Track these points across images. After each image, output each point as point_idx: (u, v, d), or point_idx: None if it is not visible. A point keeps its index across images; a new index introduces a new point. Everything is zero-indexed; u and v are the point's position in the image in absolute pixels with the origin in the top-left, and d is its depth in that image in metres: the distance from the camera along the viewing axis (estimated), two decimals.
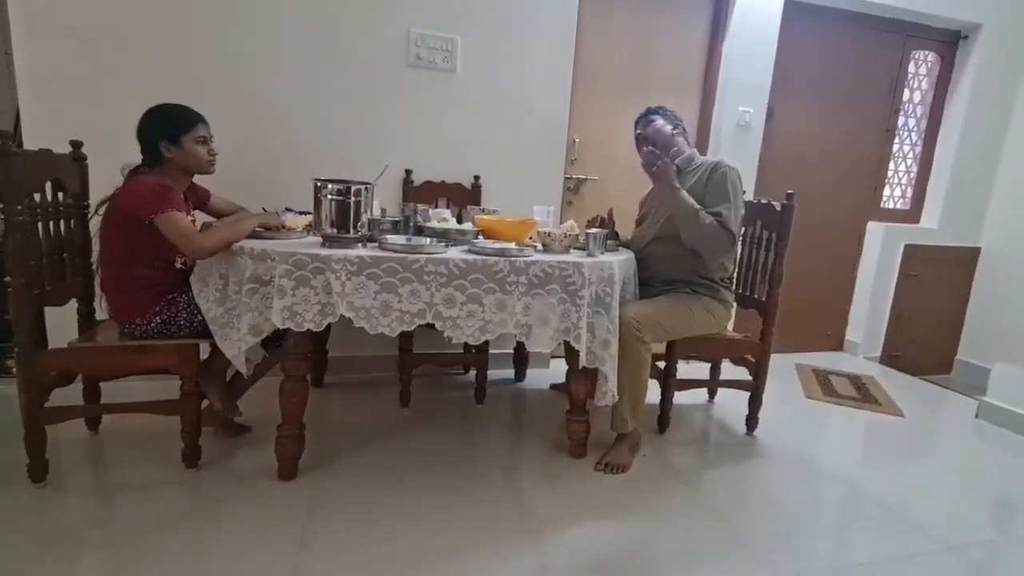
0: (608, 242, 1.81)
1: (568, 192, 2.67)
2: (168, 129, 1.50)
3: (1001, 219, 3.20)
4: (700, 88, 2.82)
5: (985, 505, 1.75)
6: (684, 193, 1.74)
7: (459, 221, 1.92)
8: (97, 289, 1.57)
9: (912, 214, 3.33)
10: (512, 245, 1.61)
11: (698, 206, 1.73)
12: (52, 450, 1.45)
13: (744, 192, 1.93)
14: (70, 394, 1.53)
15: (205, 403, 1.60)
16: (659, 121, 1.91)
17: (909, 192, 3.33)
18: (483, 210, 2.02)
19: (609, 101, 2.65)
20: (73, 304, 1.57)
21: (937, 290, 3.28)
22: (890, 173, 3.26)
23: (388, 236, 1.60)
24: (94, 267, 1.59)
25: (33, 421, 1.39)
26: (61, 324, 1.52)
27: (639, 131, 1.94)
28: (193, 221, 1.57)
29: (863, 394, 2.62)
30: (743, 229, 2.08)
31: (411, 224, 1.78)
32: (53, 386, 1.46)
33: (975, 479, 1.91)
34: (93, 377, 1.63)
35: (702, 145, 2.82)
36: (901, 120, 3.19)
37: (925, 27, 3.04)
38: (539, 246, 1.70)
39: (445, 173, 2.34)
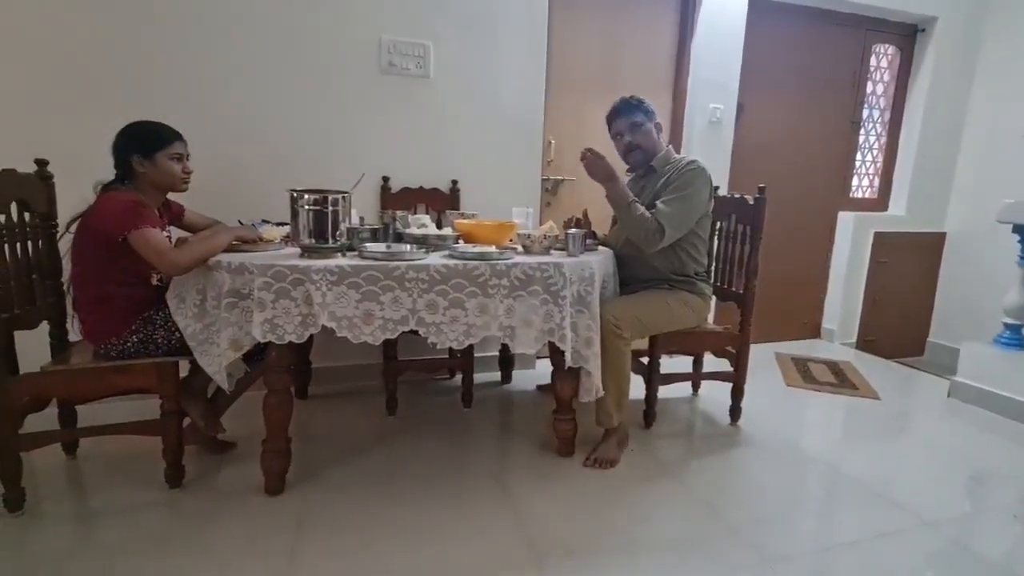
0: (587, 242, 1.83)
1: (546, 193, 2.69)
2: (143, 144, 1.48)
3: (963, 204, 3.32)
4: (671, 86, 2.87)
5: (959, 480, 1.81)
6: (621, 185, 1.77)
7: (438, 226, 1.92)
8: (69, 309, 1.53)
9: (880, 202, 3.43)
10: (492, 248, 1.62)
11: (632, 197, 1.78)
12: (28, 478, 1.41)
13: (717, 188, 1.97)
14: (45, 419, 1.49)
15: (187, 421, 1.58)
16: (646, 125, 1.87)
17: (876, 181, 3.43)
18: (462, 214, 2.03)
19: (583, 101, 2.68)
20: (44, 327, 1.53)
21: (907, 275, 3.39)
22: (857, 164, 3.35)
23: (368, 244, 1.60)
24: (65, 287, 1.55)
25: (7, 449, 1.35)
26: (33, 347, 1.48)
27: (627, 138, 1.89)
28: (168, 237, 1.55)
29: (840, 379, 2.69)
30: (719, 223, 2.12)
31: (390, 231, 1.78)
32: (27, 412, 1.42)
33: (949, 456, 1.97)
34: (69, 400, 1.59)
35: (675, 143, 2.87)
36: (865, 112, 3.29)
37: (883, 21, 3.14)
38: (519, 248, 1.71)
39: (423, 179, 2.34)
